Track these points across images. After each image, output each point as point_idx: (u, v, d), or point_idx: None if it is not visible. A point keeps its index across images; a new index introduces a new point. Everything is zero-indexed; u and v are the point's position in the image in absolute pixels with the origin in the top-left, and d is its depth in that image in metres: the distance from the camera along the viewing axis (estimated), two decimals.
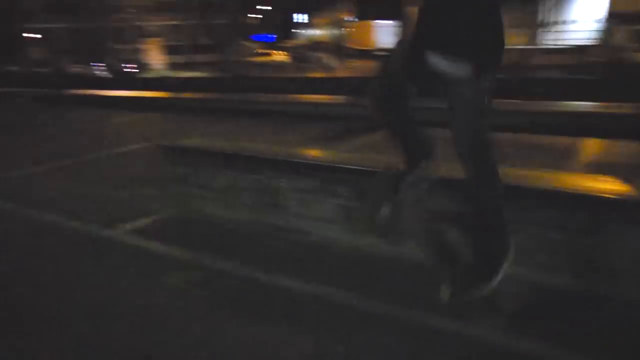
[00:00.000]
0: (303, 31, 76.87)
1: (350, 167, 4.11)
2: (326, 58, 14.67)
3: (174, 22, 44.67)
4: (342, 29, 53.86)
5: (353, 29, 44.78)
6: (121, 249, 4.18)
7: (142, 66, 27.00)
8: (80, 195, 5.73)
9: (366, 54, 34.64)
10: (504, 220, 2.53)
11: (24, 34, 45.17)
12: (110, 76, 32.03)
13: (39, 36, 45.49)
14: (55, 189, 6.07)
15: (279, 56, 37.50)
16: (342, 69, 20.74)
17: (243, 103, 13.16)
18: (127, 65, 35.14)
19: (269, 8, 44.42)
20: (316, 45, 47.78)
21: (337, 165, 4.17)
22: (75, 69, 34.74)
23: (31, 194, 5.92)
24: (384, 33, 36.97)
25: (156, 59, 34.63)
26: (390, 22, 36.92)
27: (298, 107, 12.11)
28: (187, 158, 4.91)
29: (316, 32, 70.60)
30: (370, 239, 3.91)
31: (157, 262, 3.87)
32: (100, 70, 34.52)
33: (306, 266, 3.69)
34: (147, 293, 3.36)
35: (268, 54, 37.25)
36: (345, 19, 48.20)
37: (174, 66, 37.98)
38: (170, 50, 40.16)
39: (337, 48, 33.01)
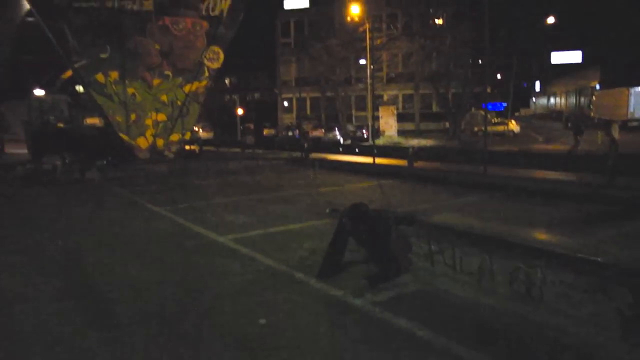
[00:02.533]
0: (536, 99, 73.25)
1: (629, 267, 3.56)
2: (614, 129, 13.33)
3: (407, 92, 47.03)
4: (584, 97, 49.55)
5: (600, 97, 40.67)
6: (369, 322, 4.24)
7: (375, 132, 28.83)
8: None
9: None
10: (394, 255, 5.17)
11: (281, 102, 52.66)
12: (343, 141, 34.85)
13: (286, 104, 52.46)
14: (308, 248, 6.61)
15: (513, 126, 35.84)
16: (589, 143, 18.89)
17: (484, 177, 12.83)
18: (360, 131, 37.90)
19: (499, 76, 43.50)
20: (555, 114, 44.78)
21: (612, 262, 3.65)
22: (316, 133, 38.78)
23: (284, 250, 6.55)
24: None
25: (388, 125, 36.55)
26: None
27: (542, 184, 11.30)
28: (436, 234, 4.87)
29: (552, 101, 66.45)
30: None
31: (405, 342, 3.81)
32: (335, 135, 37.88)
33: None
34: None
35: (504, 123, 35.93)
36: (591, 85, 44.23)
37: (404, 133, 39.61)
38: (401, 117, 42.09)
39: (581, 118, 30.21)
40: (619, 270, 3.55)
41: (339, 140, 35.68)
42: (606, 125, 17.18)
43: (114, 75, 20.26)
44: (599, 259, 3.70)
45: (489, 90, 33.32)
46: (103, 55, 19.82)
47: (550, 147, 23.01)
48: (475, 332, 3.93)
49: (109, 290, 5.27)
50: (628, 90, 33.42)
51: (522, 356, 3.53)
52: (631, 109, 33.24)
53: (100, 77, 19.98)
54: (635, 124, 32.27)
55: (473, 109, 39.49)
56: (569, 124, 23.02)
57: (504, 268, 4.27)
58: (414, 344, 3.75)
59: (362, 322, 4.24)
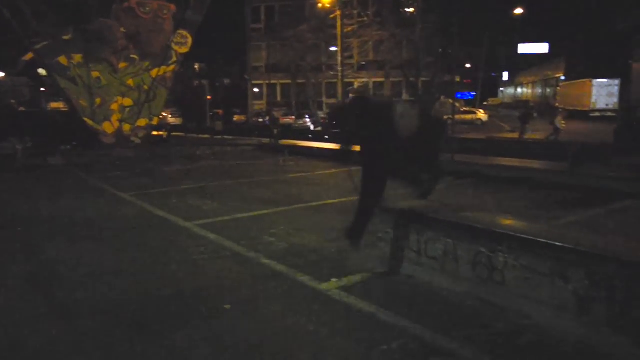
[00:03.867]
0: (504, 89, 74.51)
1: (586, 250, 3.65)
2: (559, 120, 13.82)
3: (378, 79, 47.09)
4: (550, 87, 50.70)
5: (565, 88, 41.70)
6: (333, 306, 4.26)
7: None
8: (298, 244, 6.12)
9: (578, 115, 31.91)
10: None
11: (251, 88, 52.07)
12: (314, 128, 34.81)
13: (257, 90, 51.97)
14: (275, 234, 6.59)
15: (482, 114, 36.47)
16: (552, 132, 19.34)
17: (451, 163, 12.93)
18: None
19: (468, 66, 43.98)
20: (522, 103, 45.80)
21: (570, 246, 3.73)
22: (286, 120, 38.60)
23: (251, 236, 6.51)
24: (603, 92, 33.65)
25: None
26: (611, 80, 33.51)
27: (506, 171, 11.51)
28: (401, 220, 4.90)
29: (519, 91, 67.73)
30: (610, 337, 3.38)
31: (369, 325, 3.84)
32: (306, 122, 37.83)
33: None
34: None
35: (473, 112, 36.50)
36: (557, 76, 45.26)
37: None
38: None
39: (545, 108, 30.98)
40: (576, 254, 3.63)
41: (309, 127, 35.61)
42: (552, 114, 17.65)
43: (78, 58, 19.58)
44: (557, 244, 3.78)
45: (457, 79, 33.74)
46: (66, 37, 19.12)
47: (516, 135, 23.48)
48: (438, 315, 3.98)
49: (67, 277, 5.13)
50: (591, 81, 34.38)
51: (483, 338, 3.59)
52: (593, 100, 34.24)
53: (63, 59, 19.27)
54: (597, 114, 33.24)
55: (442, 98, 39.91)
56: (518, 114, 23.95)
57: (467, 253, 4.33)
58: (378, 327, 3.78)
59: (327, 306, 4.24)
